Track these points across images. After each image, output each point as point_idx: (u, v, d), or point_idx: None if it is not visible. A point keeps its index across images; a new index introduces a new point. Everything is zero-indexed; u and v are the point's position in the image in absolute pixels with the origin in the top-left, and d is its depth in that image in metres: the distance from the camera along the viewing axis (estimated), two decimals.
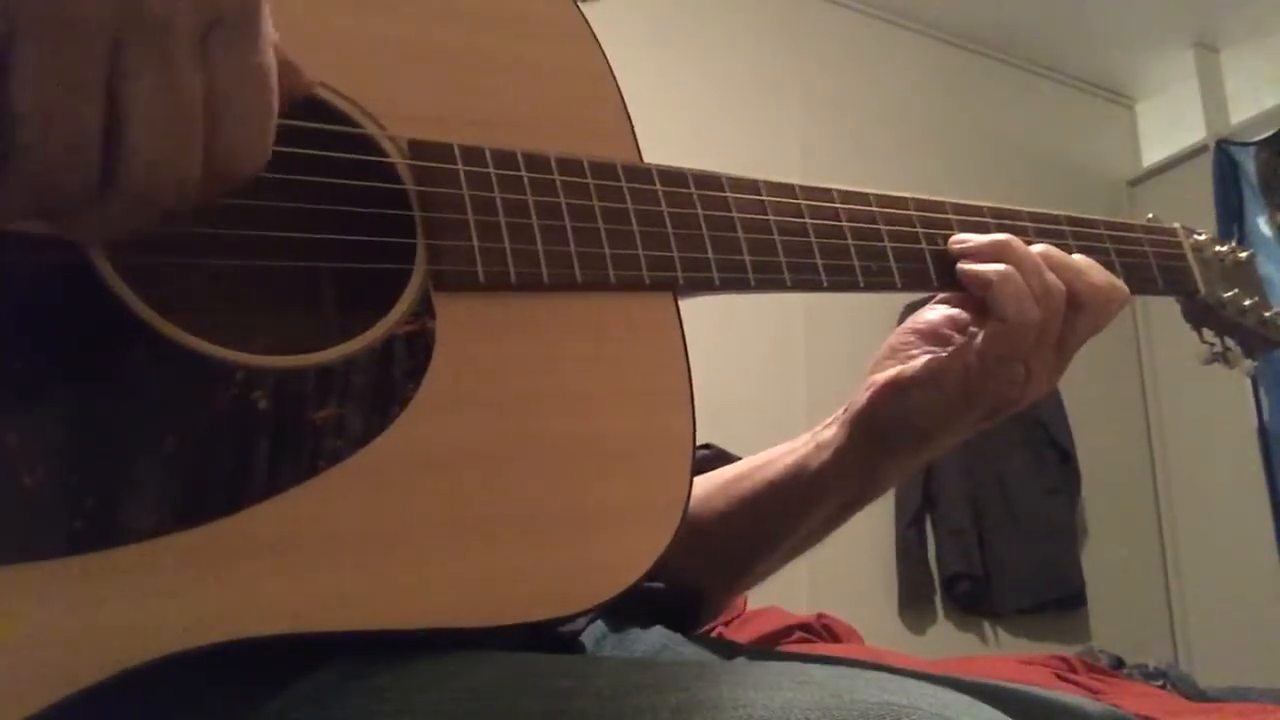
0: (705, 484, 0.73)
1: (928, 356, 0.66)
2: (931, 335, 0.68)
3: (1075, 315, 0.64)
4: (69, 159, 0.35)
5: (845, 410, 0.69)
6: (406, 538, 0.46)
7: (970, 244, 0.66)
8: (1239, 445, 3.14)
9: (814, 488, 0.69)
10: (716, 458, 0.77)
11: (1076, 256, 0.67)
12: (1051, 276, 0.63)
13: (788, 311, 2.80)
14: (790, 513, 0.70)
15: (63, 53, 0.34)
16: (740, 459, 0.76)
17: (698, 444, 0.76)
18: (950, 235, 0.67)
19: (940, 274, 0.67)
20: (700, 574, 0.71)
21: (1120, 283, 0.67)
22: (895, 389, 0.66)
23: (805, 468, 0.69)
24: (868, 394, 0.67)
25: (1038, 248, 0.66)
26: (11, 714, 0.37)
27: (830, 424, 0.70)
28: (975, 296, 0.65)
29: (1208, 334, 0.82)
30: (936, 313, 0.70)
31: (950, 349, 0.66)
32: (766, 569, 0.74)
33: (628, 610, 0.64)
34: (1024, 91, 3.62)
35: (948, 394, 0.64)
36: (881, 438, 0.67)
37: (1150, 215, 0.80)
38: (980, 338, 0.64)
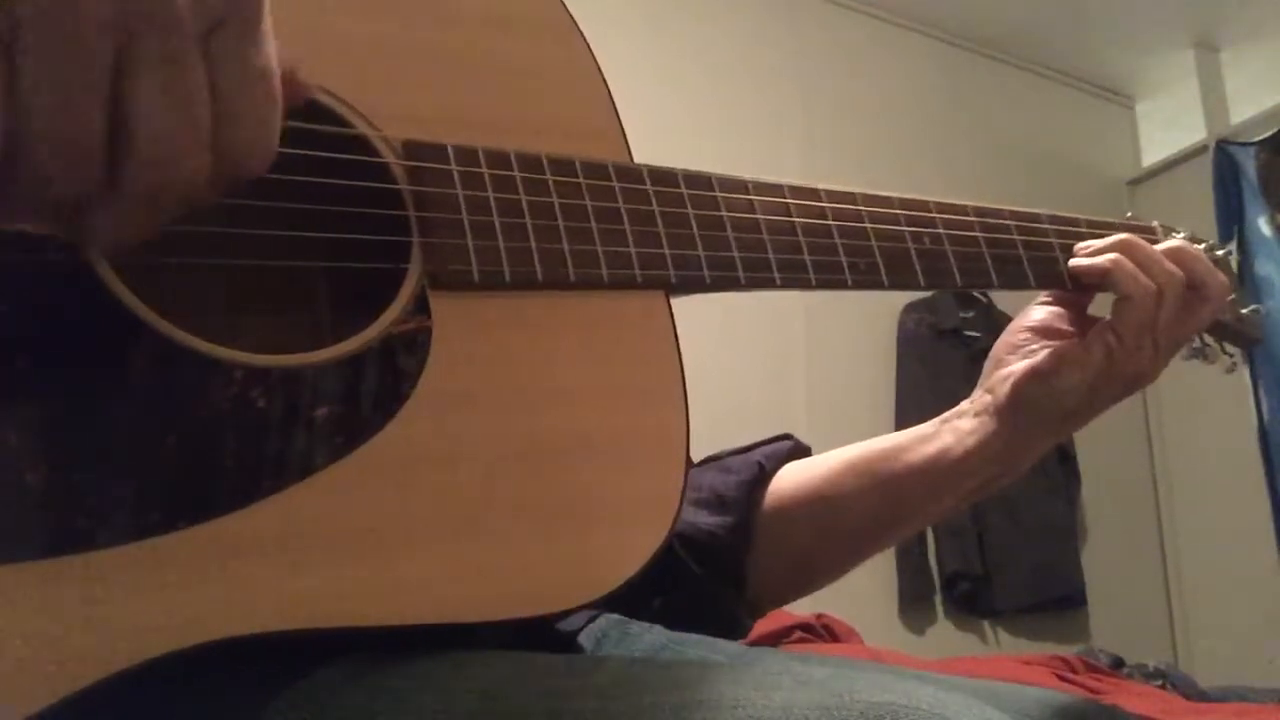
0: (824, 464, 0.77)
1: (1051, 347, 0.74)
2: (1046, 331, 0.76)
3: (1197, 299, 0.74)
4: (71, 156, 0.34)
5: (974, 403, 0.75)
6: (405, 534, 0.47)
7: (1093, 246, 0.74)
8: (1239, 445, 3.13)
9: (957, 472, 0.74)
10: (798, 449, 0.80)
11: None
12: (1170, 264, 0.72)
13: (788, 312, 2.80)
14: (931, 494, 0.75)
15: (65, 53, 0.34)
16: (810, 452, 0.80)
17: (776, 435, 0.79)
18: (935, 233, 0.70)
19: (926, 272, 0.68)
20: (816, 548, 0.76)
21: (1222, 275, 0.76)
22: (1037, 375, 0.73)
23: (949, 453, 0.74)
24: (1010, 383, 0.74)
25: (1163, 245, 0.74)
26: (12, 713, 0.37)
27: (961, 415, 0.76)
28: (1087, 290, 0.74)
29: None
30: (1044, 311, 0.77)
31: (1074, 336, 0.74)
32: (883, 547, 0.80)
33: (674, 613, 0.67)
34: (1024, 91, 3.62)
35: (1092, 371, 0.71)
36: (1027, 422, 0.73)
37: (1129, 214, 0.83)
38: (1112, 317, 0.72)
